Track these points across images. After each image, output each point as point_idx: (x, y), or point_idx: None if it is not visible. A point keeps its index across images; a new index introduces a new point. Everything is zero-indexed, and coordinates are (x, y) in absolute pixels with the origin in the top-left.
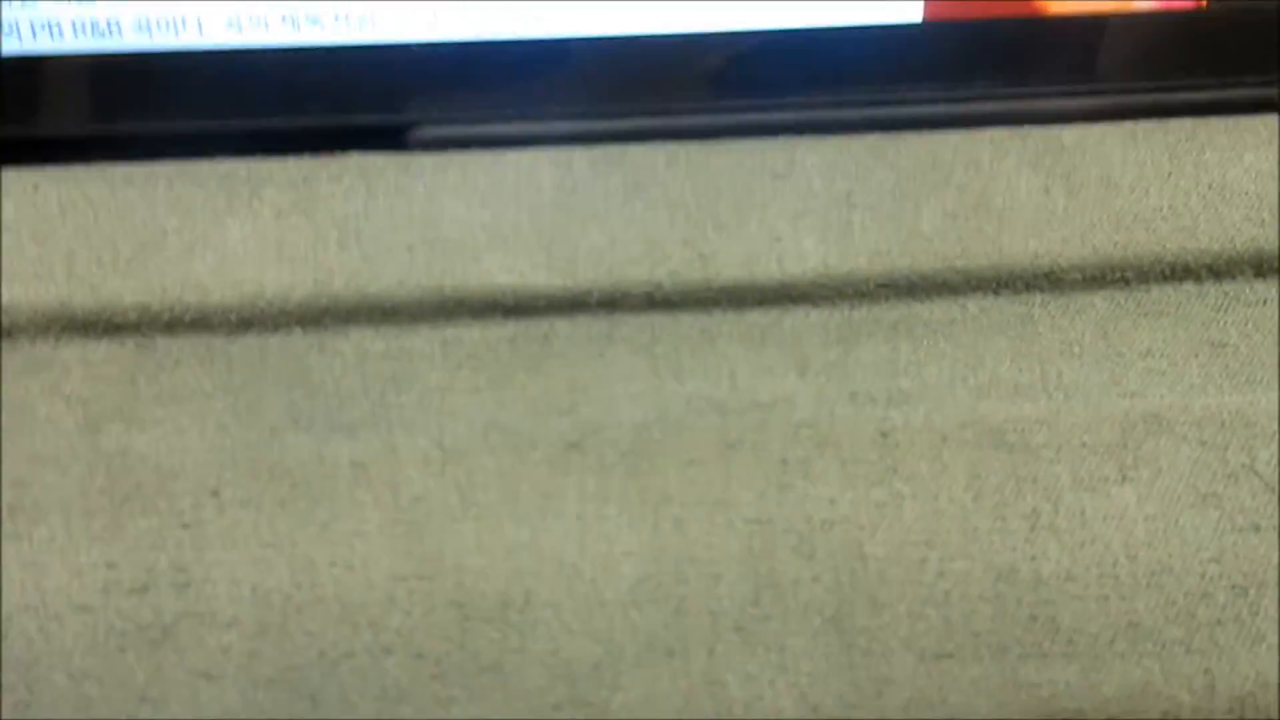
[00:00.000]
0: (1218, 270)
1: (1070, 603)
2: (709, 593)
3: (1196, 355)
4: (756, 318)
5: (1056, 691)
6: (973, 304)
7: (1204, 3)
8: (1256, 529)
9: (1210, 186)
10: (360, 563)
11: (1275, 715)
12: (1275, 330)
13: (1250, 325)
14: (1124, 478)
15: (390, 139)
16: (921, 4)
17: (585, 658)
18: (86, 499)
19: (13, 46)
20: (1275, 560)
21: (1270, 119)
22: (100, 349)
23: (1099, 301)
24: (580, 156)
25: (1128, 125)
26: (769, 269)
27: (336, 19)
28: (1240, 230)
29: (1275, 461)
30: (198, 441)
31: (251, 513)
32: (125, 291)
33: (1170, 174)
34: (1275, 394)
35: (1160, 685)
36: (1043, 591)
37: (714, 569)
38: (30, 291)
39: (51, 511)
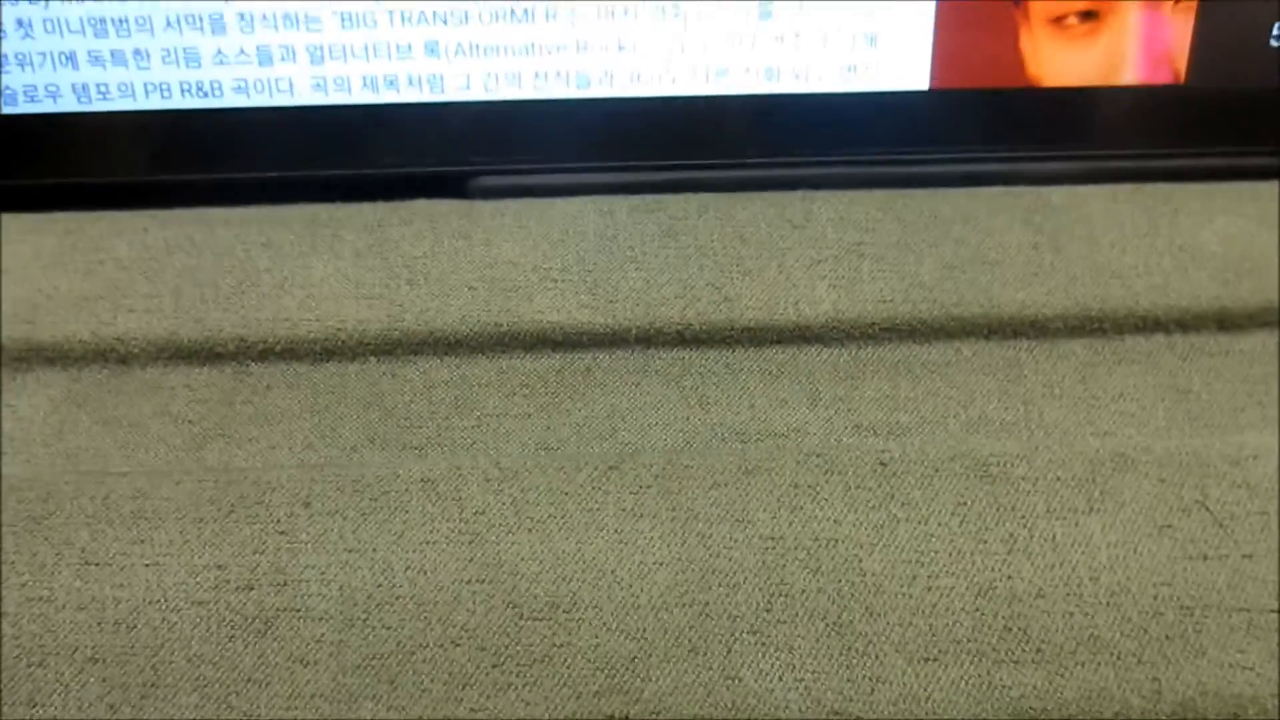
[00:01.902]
0: (1185, 324)
1: (1039, 616)
2: (728, 599)
3: (1163, 400)
4: (774, 355)
5: (1025, 693)
6: (966, 347)
7: (1181, 79)
8: (1205, 558)
9: (1181, 248)
10: (431, 567)
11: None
12: (1234, 379)
13: (1212, 374)
14: (1091, 509)
15: (454, 187)
16: (928, 74)
17: (622, 652)
18: (198, 508)
19: (142, 104)
20: (1219, 585)
21: (1238, 187)
22: (203, 375)
23: (1078, 349)
24: (622, 204)
25: (1109, 188)
26: (786, 312)
27: (410, 82)
28: (1206, 288)
29: (1225, 499)
30: (288, 457)
31: (338, 521)
32: (225, 324)
33: (1146, 234)
34: (1229, 437)
35: (1114, 690)
36: (1016, 606)
37: (733, 579)
38: (144, 324)
39: (169, 519)
